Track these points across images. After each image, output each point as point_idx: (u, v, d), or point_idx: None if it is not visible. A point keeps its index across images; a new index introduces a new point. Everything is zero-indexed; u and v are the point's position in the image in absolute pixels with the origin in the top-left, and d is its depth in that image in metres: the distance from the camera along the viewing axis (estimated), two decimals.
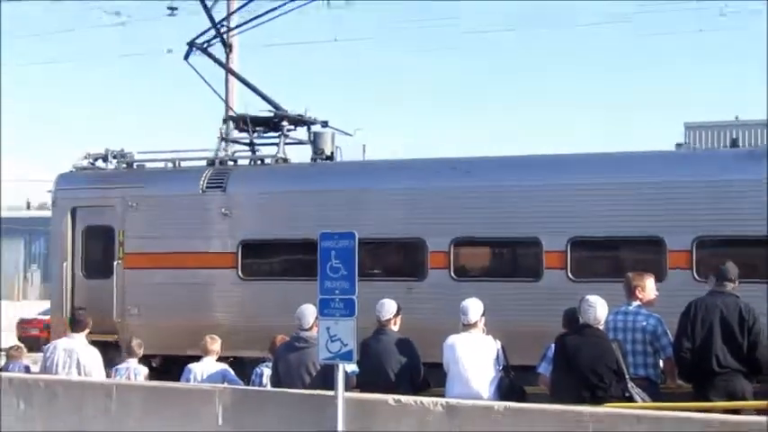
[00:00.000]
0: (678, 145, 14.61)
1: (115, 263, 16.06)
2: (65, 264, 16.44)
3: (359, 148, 17.23)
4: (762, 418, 7.94)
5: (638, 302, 10.17)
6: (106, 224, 16.28)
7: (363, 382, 10.06)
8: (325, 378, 9.42)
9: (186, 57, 17.96)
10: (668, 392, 10.09)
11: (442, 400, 9.04)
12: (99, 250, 16.44)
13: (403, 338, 10.35)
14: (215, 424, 9.76)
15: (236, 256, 15.37)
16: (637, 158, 14.28)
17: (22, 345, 13.38)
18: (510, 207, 13.93)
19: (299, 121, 17.57)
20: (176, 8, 17.84)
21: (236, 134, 17.92)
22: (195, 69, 17.82)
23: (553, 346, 9.91)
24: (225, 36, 18.93)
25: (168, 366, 12.60)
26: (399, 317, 10.51)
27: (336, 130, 17.58)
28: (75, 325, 11.71)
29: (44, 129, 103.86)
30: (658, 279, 11.87)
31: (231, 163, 16.99)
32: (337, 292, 9.17)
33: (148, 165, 17.22)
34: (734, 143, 15.06)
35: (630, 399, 9.16)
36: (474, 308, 10.09)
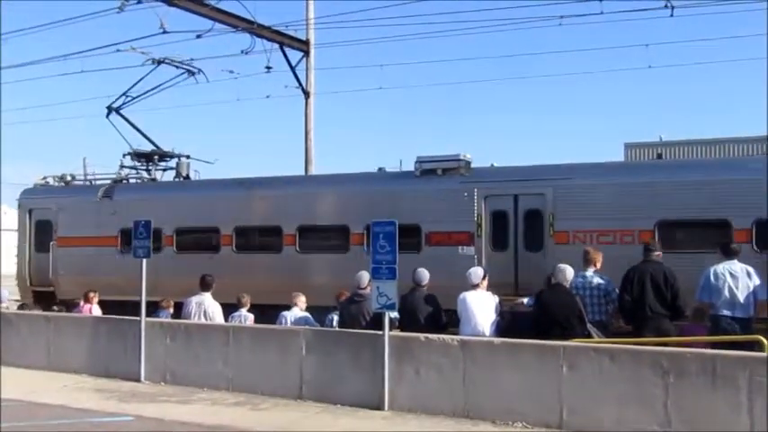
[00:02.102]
0: (379, 168, 16.75)
1: (51, 243, 18.87)
2: (24, 244, 19.62)
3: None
4: (682, 350, 8.52)
5: (593, 269, 10.71)
6: (48, 219, 19.14)
7: (403, 325, 10.50)
8: (376, 322, 9.94)
9: (107, 116, 20.32)
10: (615, 331, 10.67)
11: (457, 337, 9.64)
12: (43, 235, 19.24)
13: (430, 294, 10.81)
14: (300, 354, 10.44)
15: (117, 239, 17.97)
16: (343, 177, 16.83)
17: (170, 299, 14.17)
18: (269, 208, 16.70)
19: (167, 155, 20.60)
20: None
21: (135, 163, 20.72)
22: (115, 126, 20.33)
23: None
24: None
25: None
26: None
27: (198, 160, 20.99)
28: (204, 286, 12.39)
29: None
30: (345, 252, 15.37)
31: (125, 181, 19.95)
32: (384, 262, 9.63)
33: (76, 182, 20.20)
34: (659, 157, 15.61)
35: (589, 336, 9.76)
36: (477, 273, 10.59)
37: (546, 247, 13.90)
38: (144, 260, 12.10)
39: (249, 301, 13.01)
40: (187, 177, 20.06)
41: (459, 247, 14.49)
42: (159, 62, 20.08)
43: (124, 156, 20.50)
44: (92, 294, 15.05)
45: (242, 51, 20.15)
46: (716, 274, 10.29)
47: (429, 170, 15.09)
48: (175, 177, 20.21)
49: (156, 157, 20.53)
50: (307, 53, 21.66)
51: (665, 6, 16.19)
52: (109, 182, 19.54)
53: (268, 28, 20.35)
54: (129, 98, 20.41)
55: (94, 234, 18.35)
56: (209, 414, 9.74)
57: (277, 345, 10.84)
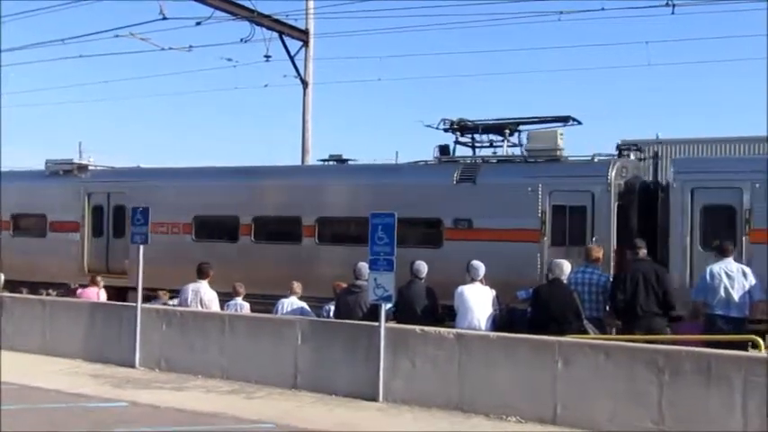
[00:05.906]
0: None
1: None
2: None
3: None
4: (678, 348, 8.47)
5: (594, 265, 10.71)
6: None
7: (399, 316, 10.48)
8: (373, 313, 9.91)
9: None
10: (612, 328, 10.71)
11: (453, 330, 9.63)
12: None
13: (428, 287, 10.75)
14: (296, 343, 10.44)
15: None
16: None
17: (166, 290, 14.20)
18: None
19: None
20: None
21: None
22: None
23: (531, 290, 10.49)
24: None
25: None
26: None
27: None
28: (201, 274, 12.33)
29: None
30: (44, 237, 18.48)
31: None
32: (382, 254, 9.59)
33: None
34: (655, 156, 15.83)
35: (585, 332, 9.74)
36: (479, 269, 10.49)
37: (127, 234, 16.41)
38: (141, 246, 12.06)
39: (244, 290, 13.03)
40: None
41: (70, 234, 18.18)
42: None
43: None
44: (99, 278, 15.08)
45: (241, 39, 20.13)
46: (712, 274, 10.33)
47: (54, 171, 18.68)
48: None
49: None
50: (306, 43, 21.63)
51: (666, 4, 16.20)
52: None
53: (268, 17, 20.31)
54: None
55: None
56: (203, 401, 9.75)
57: (272, 334, 10.84)
